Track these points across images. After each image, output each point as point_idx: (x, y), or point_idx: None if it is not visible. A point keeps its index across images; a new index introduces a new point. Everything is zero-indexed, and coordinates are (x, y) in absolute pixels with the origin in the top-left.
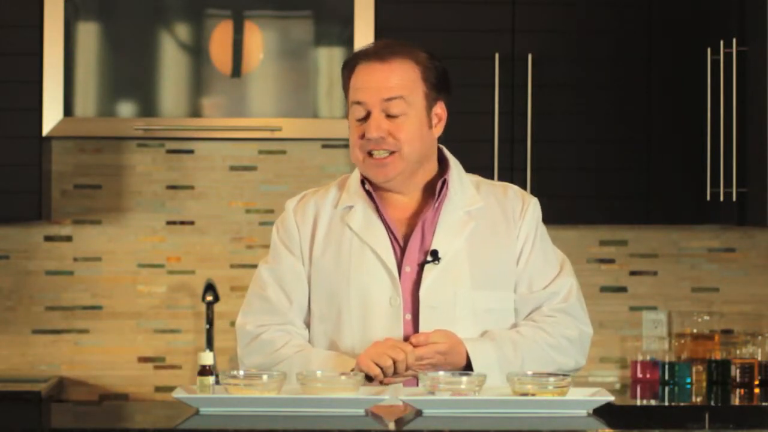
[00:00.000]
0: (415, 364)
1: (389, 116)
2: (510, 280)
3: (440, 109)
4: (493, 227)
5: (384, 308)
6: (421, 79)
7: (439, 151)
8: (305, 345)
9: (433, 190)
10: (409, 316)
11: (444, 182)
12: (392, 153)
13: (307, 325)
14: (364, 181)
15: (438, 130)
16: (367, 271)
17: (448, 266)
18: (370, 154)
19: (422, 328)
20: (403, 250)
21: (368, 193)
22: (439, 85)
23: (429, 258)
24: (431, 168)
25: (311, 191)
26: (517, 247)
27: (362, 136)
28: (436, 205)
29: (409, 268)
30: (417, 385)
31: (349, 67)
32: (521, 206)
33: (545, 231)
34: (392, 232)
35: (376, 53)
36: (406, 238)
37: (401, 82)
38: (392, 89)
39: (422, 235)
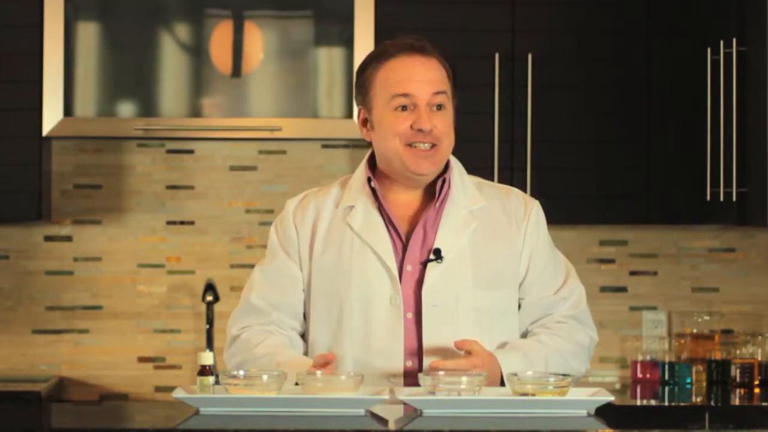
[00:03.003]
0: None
1: (433, 111)
2: (513, 279)
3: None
4: (495, 227)
5: (385, 308)
6: (448, 79)
7: None
8: (279, 345)
9: (435, 189)
10: (410, 315)
11: (444, 181)
12: (433, 146)
13: (306, 326)
14: (370, 178)
15: None
16: (367, 271)
17: (451, 265)
18: (411, 145)
19: (425, 326)
20: (405, 249)
21: (372, 190)
22: (456, 87)
23: (432, 257)
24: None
25: (313, 191)
26: (520, 249)
27: (410, 127)
28: (438, 204)
29: (411, 267)
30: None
31: (380, 59)
32: (524, 209)
33: (549, 236)
34: (395, 230)
35: (412, 47)
36: (408, 236)
37: (442, 78)
38: (438, 83)
39: (424, 233)
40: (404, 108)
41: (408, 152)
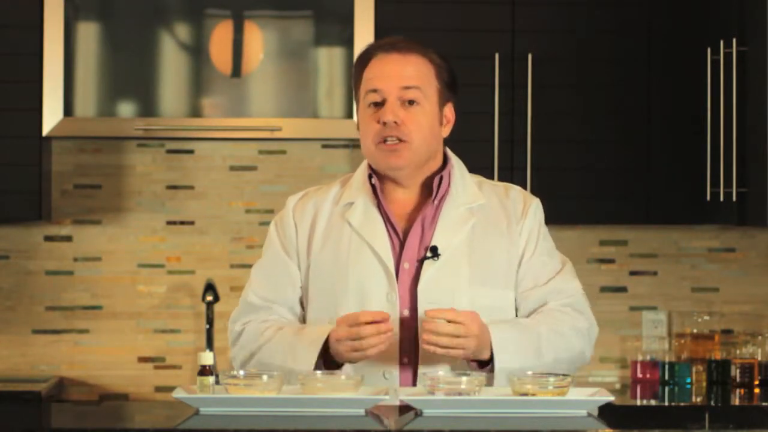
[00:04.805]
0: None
1: (404, 106)
2: (510, 278)
3: (449, 111)
4: (494, 225)
5: (381, 305)
6: (435, 76)
7: (443, 150)
8: (287, 323)
9: (434, 187)
10: (407, 312)
11: (441, 179)
12: (402, 141)
13: (302, 321)
14: (371, 175)
15: (446, 130)
16: (364, 267)
17: (447, 262)
18: (383, 141)
19: (421, 324)
20: (402, 246)
21: (373, 187)
22: (451, 86)
23: (428, 254)
24: (435, 165)
25: (314, 189)
26: (518, 245)
27: (377, 122)
28: (435, 201)
29: (408, 264)
30: (416, 384)
31: (363, 60)
32: (522, 206)
33: (547, 232)
34: (393, 228)
35: (393, 45)
36: (406, 233)
37: (418, 74)
38: (410, 78)
39: (422, 230)
40: (376, 105)
41: (378, 149)
